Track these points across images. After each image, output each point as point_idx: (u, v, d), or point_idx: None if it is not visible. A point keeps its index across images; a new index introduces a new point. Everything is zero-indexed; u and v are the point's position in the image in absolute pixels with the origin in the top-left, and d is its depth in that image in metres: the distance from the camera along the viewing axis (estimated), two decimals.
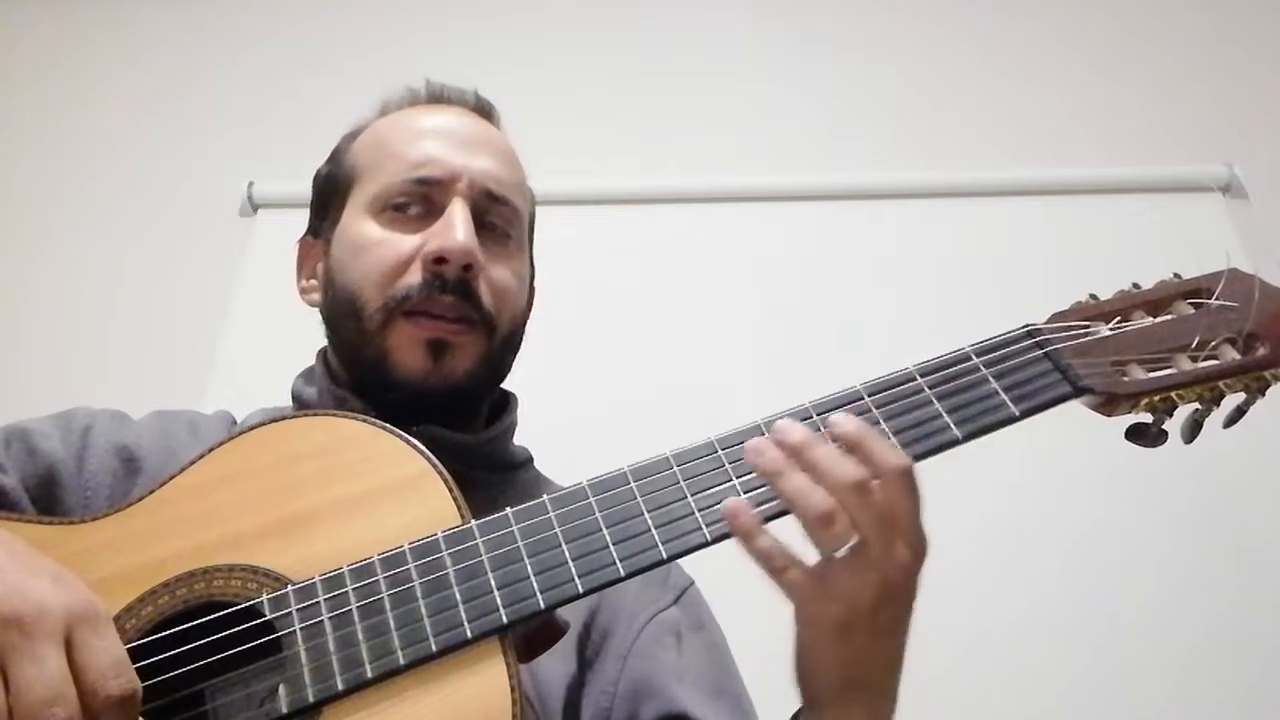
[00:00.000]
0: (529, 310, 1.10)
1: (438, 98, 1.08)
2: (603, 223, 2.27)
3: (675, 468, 0.78)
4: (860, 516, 0.69)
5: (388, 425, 0.81)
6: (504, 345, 1.00)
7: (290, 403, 1.07)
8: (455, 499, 0.77)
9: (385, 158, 1.02)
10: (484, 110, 1.09)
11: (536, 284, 1.14)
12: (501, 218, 1.01)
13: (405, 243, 0.96)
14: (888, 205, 2.28)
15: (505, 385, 1.12)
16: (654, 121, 2.48)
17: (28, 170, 2.57)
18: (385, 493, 0.78)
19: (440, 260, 0.93)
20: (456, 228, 0.94)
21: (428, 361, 0.93)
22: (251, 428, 0.83)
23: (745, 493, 0.76)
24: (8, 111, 2.66)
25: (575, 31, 2.64)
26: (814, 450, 0.72)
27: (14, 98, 2.68)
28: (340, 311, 0.99)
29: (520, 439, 1.11)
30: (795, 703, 0.87)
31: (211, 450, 0.82)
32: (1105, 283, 0.90)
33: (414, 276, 0.94)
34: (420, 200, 0.98)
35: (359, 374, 0.98)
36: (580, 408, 1.96)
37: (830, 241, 2.24)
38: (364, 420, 0.82)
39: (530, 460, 1.11)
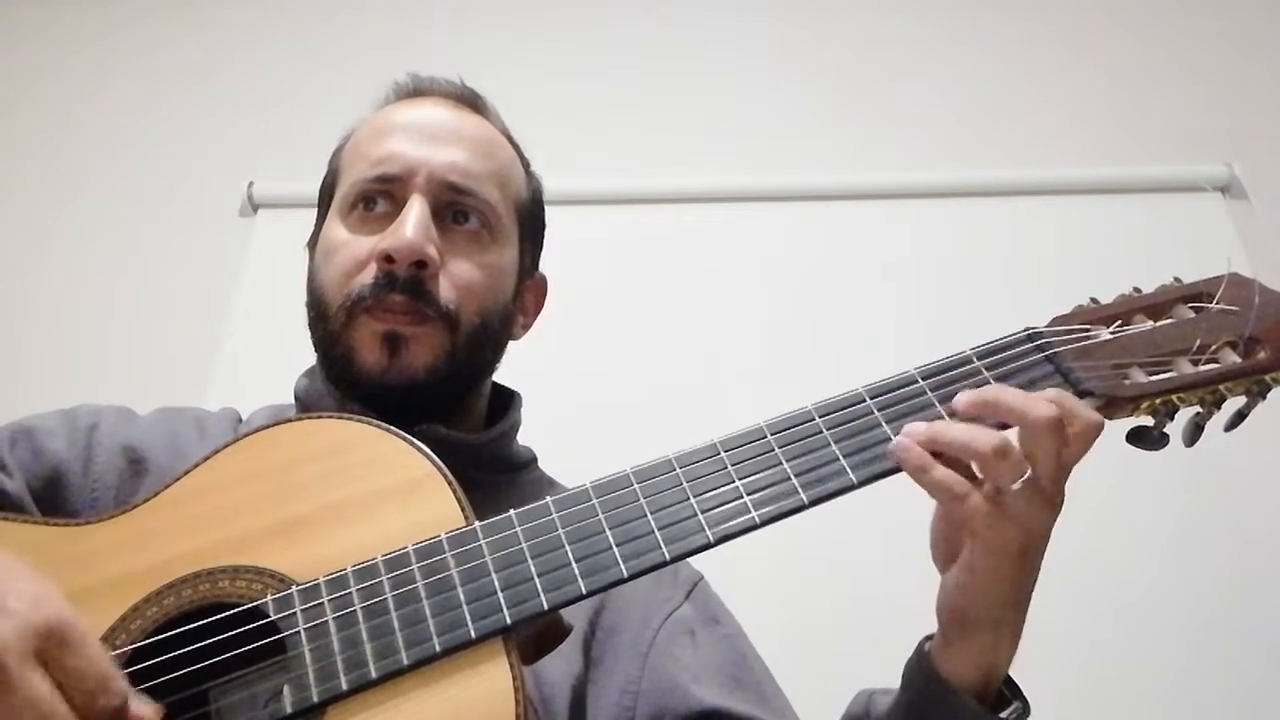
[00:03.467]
0: (522, 300, 1.08)
1: (419, 91, 1.07)
2: (603, 223, 2.26)
3: (678, 469, 0.78)
4: (1046, 451, 0.72)
5: (391, 427, 0.82)
6: (473, 340, 0.97)
7: (293, 402, 1.07)
8: (459, 500, 0.77)
9: (356, 158, 1.02)
10: (468, 100, 1.07)
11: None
12: (470, 209, 0.99)
13: (365, 243, 0.96)
14: (888, 205, 2.28)
15: (509, 384, 1.12)
16: (654, 121, 2.48)
17: (28, 170, 2.58)
18: (389, 494, 0.78)
19: (390, 259, 0.93)
20: (405, 226, 0.93)
21: (384, 356, 0.93)
22: (256, 429, 0.83)
23: (748, 494, 0.76)
24: (8, 111, 2.66)
25: (576, 31, 2.64)
26: (1005, 394, 0.76)
27: (14, 98, 2.68)
28: (313, 314, 0.99)
29: (524, 438, 1.11)
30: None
31: (216, 452, 0.82)
32: (1105, 282, 0.90)
33: (368, 276, 0.94)
34: (384, 197, 0.98)
35: (333, 373, 0.98)
36: (582, 407, 1.97)
37: (830, 242, 2.24)
38: (368, 422, 0.82)
39: (534, 460, 1.11)
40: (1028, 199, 2.27)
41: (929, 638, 0.82)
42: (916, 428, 0.76)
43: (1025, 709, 0.78)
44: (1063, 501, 0.75)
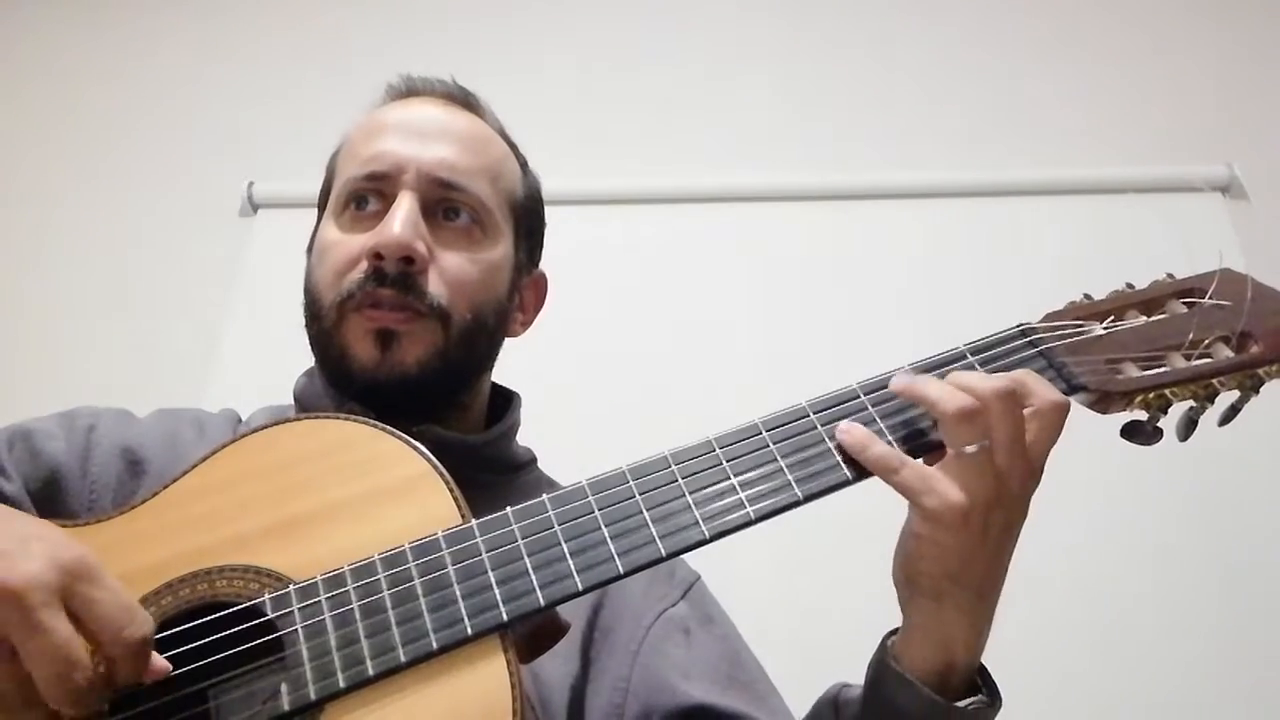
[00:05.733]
0: (520, 297, 1.08)
1: (411, 91, 1.07)
2: (603, 223, 2.27)
3: (673, 466, 0.78)
4: (999, 427, 0.74)
5: (389, 427, 0.82)
6: (466, 335, 0.97)
7: (292, 403, 1.07)
8: (456, 499, 0.77)
9: (348, 159, 1.02)
10: (459, 98, 1.07)
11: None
12: (461, 205, 0.99)
13: (356, 241, 0.96)
14: (888, 205, 2.29)
15: (509, 384, 1.12)
16: (654, 121, 2.49)
17: (28, 170, 2.58)
18: (386, 494, 0.78)
19: (379, 256, 0.93)
20: (394, 222, 0.93)
21: (376, 352, 0.93)
22: (254, 430, 0.84)
23: (742, 490, 0.77)
24: (8, 112, 2.67)
25: (576, 32, 2.65)
26: (964, 375, 0.78)
27: (15, 98, 2.69)
28: (308, 314, 1.00)
29: (525, 439, 1.11)
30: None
31: (215, 453, 0.82)
32: (1105, 283, 0.90)
33: (358, 273, 0.94)
34: (375, 196, 0.98)
35: (328, 372, 0.98)
36: (580, 407, 1.97)
37: (830, 241, 2.24)
38: (365, 422, 0.82)
39: (533, 461, 1.11)
40: (1028, 199, 2.28)
41: (896, 630, 0.82)
42: (900, 377, 0.79)
43: (991, 702, 0.78)
44: (1022, 485, 0.75)
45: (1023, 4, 2.59)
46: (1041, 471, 0.77)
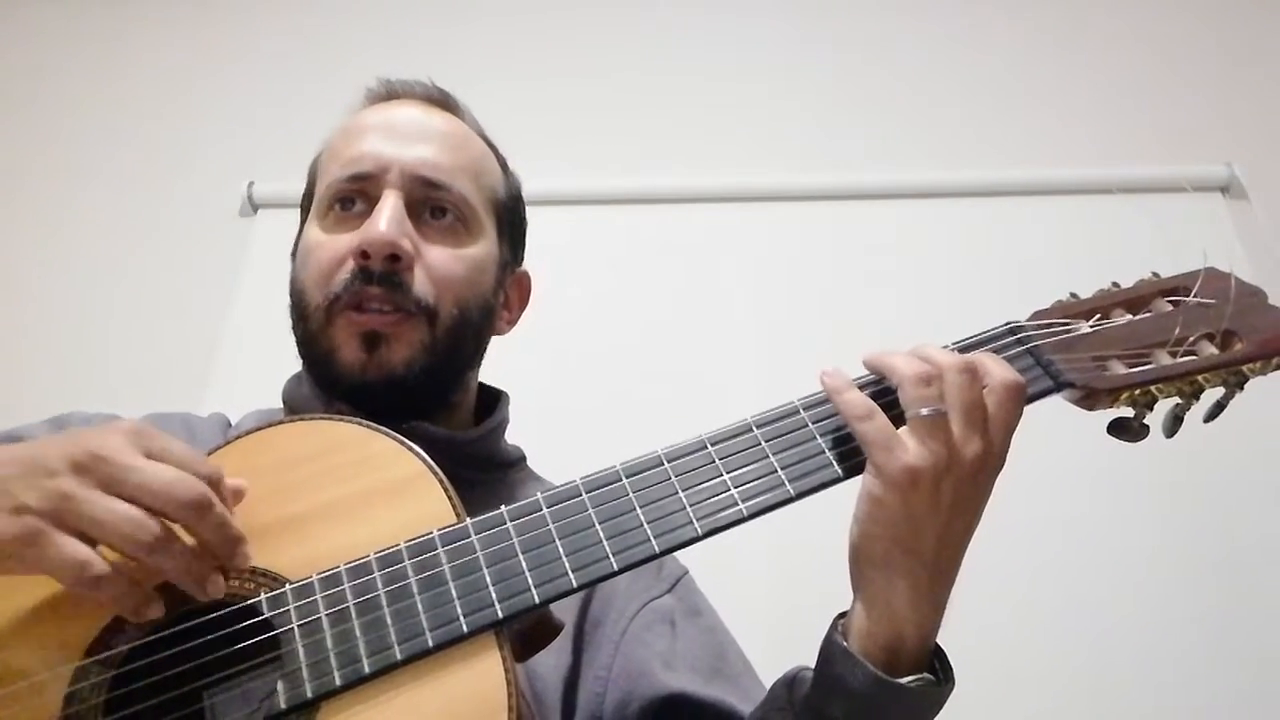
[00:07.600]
0: (505, 295, 1.09)
1: (390, 94, 1.08)
2: (601, 223, 2.28)
3: (667, 464, 0.79)
4: (954, 394, 0.76)
5: (382, 427, 0.82)
6: (452, 332, 0.97)
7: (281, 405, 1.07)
8: (450, 498, 0.78)
9: (329, 162, 1.03)
10: (438, 100, 1.08)
11: (533, 280, 1.15)
12: (445, 203, 1.00)
13: (342, 241, 0.97)
14: (887, 205, 2.29)
15: (498, 384, 1.13)
16: (653, 121, 2.49)
17: (27, 171, 2.59)
18: (381, 493, 0.78)
19: (365, 255, 0.94)
20: (379, 220, 0.94)
21: (362, 354, 0.93)
22: (247, 432, 0.84)
23: (735, 488, 0.77)
24: (8, 113, 2.67)
25: (574, 32, 2.65)
26: (927, 348, 0.80)
27: (14, 99, 2.69)
28: (294, 316, 1.00)
29: (514, 437, 1.12)
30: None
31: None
32: (1105, 282, 0.91)
33: (345, 272, 0.95)
34: (360, 197, 0.99)
35: (315, 373, 0.99)
36: (575, 406, 1.97)
37: (828, 241, 2.24)
38: (359, 423, 0.83)
39: (523, 459, 1.12)
40: (1027, 199, 2.27)
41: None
42: (869, 351, 0.82)
43: (939, 682, 0.76)
44: (979, 460, 0.75)
45: (1023, 5, 2.59)
46: (1003, 454, 0.77)
